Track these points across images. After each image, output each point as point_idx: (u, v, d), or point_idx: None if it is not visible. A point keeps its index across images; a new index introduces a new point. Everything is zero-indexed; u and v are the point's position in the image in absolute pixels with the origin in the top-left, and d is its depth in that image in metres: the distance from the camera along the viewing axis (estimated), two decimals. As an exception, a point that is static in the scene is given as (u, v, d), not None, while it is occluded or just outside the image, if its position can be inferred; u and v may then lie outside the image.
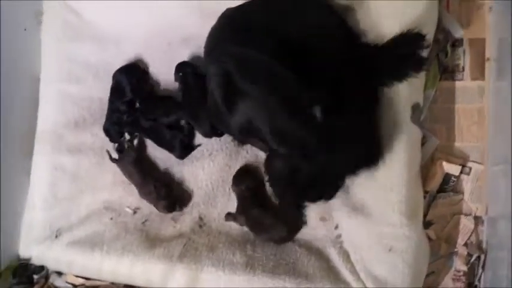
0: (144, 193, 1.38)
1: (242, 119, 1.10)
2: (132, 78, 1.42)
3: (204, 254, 1.30)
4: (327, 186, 1.21)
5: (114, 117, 1.43)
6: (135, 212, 1.42)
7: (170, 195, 1.37)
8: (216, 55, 1.17)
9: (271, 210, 1.31)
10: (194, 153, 1.40)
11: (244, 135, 1.24)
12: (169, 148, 1.41)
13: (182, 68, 1.41)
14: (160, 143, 1.43)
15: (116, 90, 1.44)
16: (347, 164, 1.16)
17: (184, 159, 1.40)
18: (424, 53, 1.13)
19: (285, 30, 1.13)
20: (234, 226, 1.35)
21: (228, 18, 1.22)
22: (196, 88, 1.37)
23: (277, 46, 1.09)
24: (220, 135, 1.37)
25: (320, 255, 1.27)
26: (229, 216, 1.35)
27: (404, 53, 1.14)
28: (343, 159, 1.12)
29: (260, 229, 1.32)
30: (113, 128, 1.43)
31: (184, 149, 1.40)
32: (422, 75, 1.21)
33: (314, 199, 1.24)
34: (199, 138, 1.41)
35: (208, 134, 1.37)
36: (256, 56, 1.08)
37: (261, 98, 1.05)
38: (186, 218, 1.38)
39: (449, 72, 1.30)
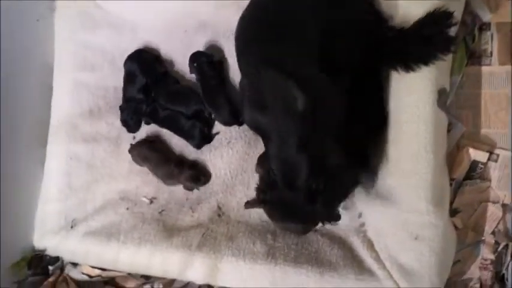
0: (164, 174, 1.36)
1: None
2: (142, 64, 1.40)
3: (224, 244, 1.27)
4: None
5: (132, 107, 1.41)
6: (151, 202, 1.39)
7: (195, 166, 1.36)
8: (259, 59, 1.11)
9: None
10: (212, 141, 1.38)
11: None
12: (188, 137, 1.39)
13: (196, 59, 1.39)
14: (178, 132, 1.41)
15: (128, 78, 1.42)
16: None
17: (202, 148, 1.38)
18: (452, 32, 1.10)
19: (317, 18, 1.10)
20: (253, 216, 1.32)
21: (260, 8, 1.18)
22: (214, 77, 1.36)
23: (315, 43, 1.07)
24: (240, 123, 1.34)
25: (343, 244, 1.24)
26: (248, 204, 1.32)
27: (432, 33, 1.10)
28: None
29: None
30: (131, 118, 1.41)
31: (203, 138, 1.38)
32: (449, 58, 1.17)
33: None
34: (217, 126, 1.39)
35: (228, 122, 1.34)
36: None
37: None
38: (204, 207, 1.35)
39: (476, 57, 1.25)
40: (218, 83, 1.36)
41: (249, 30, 1.18)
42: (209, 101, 1.35)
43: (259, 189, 1.15)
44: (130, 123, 1.41)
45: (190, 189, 1.36)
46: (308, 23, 1.10)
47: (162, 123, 1.42)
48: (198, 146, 1.39)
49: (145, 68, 1.40)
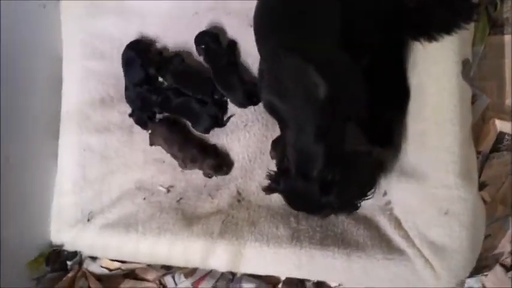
0: (186, 157, 1.31)
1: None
2: (140, 52, 1.36)
3: (246, 229, 1.24)
4: None
5: (140, 103, 1.37)
6: (168, 191, 1.36)
7: (217, 154, 1.32)
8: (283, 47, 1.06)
9: None
10: (228, 125, 1.34)
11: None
12: (195, 121, 1.35)
13: (201, 40, 1.35)
14: (188, 116, 1.37)
15: (130, 70, 1.37)
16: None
17: (218, 132, 1.34)
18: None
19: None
20: (274, 199, 1.29)
21: None
22: (222, 56, 1.32)
23: (337, 24, 1.05)
24: (255, 103, 1.30)
25: (369, 224, 1.20)
26: (268, 190, 1.29)
27: (454, 1, 1.07)
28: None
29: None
30: (143, 115, 1.38)
31: (212, 122, 1.34)
32: (471, 28, 1.14)
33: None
34: (232, 109, 1.35)
35: (242, 103, 1.31)
36: None
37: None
38: (224, 193, 1.32)
39: (498, 26, 1.21)
40: (228, 63, 1.32)
41: (269, 14, 1.14)
42: (221, 82, 1.31)
43: (271, 178, 1.13)
44: (145, 119, 1.37)
45: (209, 176, 1.33)
46: (328, 3, 1.07)
47: (174, 111, 1.39)
48: (206, 131, 1.35)
49: (145, 57, 1.37)
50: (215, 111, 1.33)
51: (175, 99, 1.36)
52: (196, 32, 1.36)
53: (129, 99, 1.39)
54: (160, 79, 1.40)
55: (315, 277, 1.23)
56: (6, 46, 1.26)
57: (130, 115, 1.38)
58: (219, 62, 1.32)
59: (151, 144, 1.37)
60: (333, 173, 1.00)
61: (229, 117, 1.35)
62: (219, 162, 1.30)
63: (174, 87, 1.37)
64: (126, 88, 1.39)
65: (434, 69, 1.13)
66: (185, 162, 1.32)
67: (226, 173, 1.32)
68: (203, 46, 1.34)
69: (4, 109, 1.26)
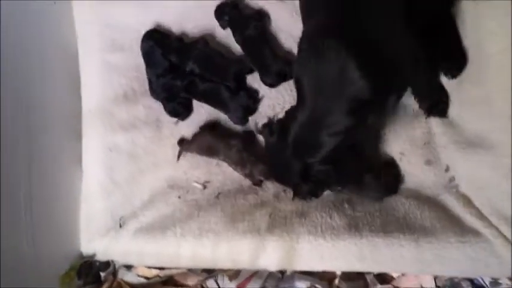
0: (235, 163, 1.20)
1: None
2: (158, 41, 1.26)
3: (296, 222, 1.13)
4: None
5: (166, 93, 1.26)
6: (205, 187, 1.25)
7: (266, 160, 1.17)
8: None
9: (366, 162, 1.13)
10: (264, 110, 1.23)
11: None
12: (228, 111, 1.25)
13: (222, 12, 1.25)
14: (219, 105, 1.26)
15: (151, 61, 1.27)
16: None
17: (254, 117, 1.23)
18: None
19: None
20: (322, 187, 1.17)
21: None
22: (249, 25, 1.21)
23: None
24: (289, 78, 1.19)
25: (434, 205, 1.09)
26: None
27: None
28: None
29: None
30: (178, 106, 1.27)
31: (244, 111, 1.23)
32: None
33: None
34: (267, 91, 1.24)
35: (275, 80, 1.20)
36: None
37: None
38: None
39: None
40: (257, 33, 1.21)
41: None
42: (251, 54, 1.20)
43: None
44: (181, 110, 1.26)
45: (259, 184, 1.21)
46: None
47: (201, 97, 1.27)
48: (241, 122, 1.25)
49: (163, 45, 1.27)
50: (246, 101, 1.23)
51: (201, 84, 1.25)
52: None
53: (155, 93, 1.28)
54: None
55: (379, 269, 1.11)
56: (17, 46, 1.15)
57: (165, 108, 1.28)
58: (246, 31, 1.21)
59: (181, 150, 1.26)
60: (325, 169, 0.99)
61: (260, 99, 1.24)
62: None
63: (199, 73, 1.26)
64: (150, 81, 1.28)
65: (493, 24, 1.02)
66: (234, 168, 1.21)
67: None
68: (226, 18, 1.24)
69: (20, 113, 1.15)
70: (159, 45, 1.26)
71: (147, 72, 1.29)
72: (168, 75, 1.27)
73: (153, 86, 1.28)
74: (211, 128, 1.25)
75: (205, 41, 1.27)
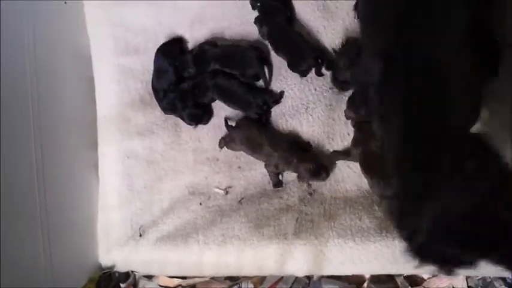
0: (280, 158, 1.13)
1: None
2: (173, 60, 1.23)
3: (324, 225, 1.10)
4: None
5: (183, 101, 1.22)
6: (227, 192, 1.21)
7: (314, 157, 1.14)
8: None
9: None
10: (286, 110, 1.19)
11: None
12: (245, 107, 1.20)
13: None
14: (232, 102, 1.21)
15: (161, 78, 1.24)
16: None
17: (276, 119, 1.19)
18: None
19: None
20: (349, 188, 1.13)
21: None
22: (279, 12, 1.18)
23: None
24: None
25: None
26: (337, 153, 1.15)
27: None
28: None
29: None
30: (194, 110, 1.22)
31: (260, 110, 1.18)
32: None
33: None
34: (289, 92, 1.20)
35: (309, 67, 1.16)
36: None
37: None
38: (292, 188, 1.17)
39: None
40: (287, 22, 1.19)
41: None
42: (282, 41, 1.17)
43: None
44: (198, 112, 1.22)
45: (303, 180, 1.15)
46: None
47: (212, 93, 1.23)
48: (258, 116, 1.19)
49: (177, 64, 1.24)
50: (263, 99, 1.18)
51: (209, 81, 1.21)
52: (242, 11, 1.22)
53: (163, 106, 1.25)
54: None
55: (412, 271, 1.08)
56: (25, 49, 1.12)
57: (183, 118, 1.24)
58: (275, 17, 1.18)
59: (221, 147, 1.21)
60: None
61: (277, 99, 1.19)
62: (318, 167, 1.11)
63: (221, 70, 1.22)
64: (156, 92, 1.25)
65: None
66: (277, 165, 1.15)
67: (324, 179, 1.14)
68: (258, 3, 1.20)
69: (31, 121, 1.11)
70: (173, 64, 1.23)
71: (154, 83, 1.25)
72: (173, 88, 1.24)
73: (162, 100, 1.24)
74: (252, 120, 1.19)
75: (214, 43, 1.24)
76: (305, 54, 1.14)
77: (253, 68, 1.19)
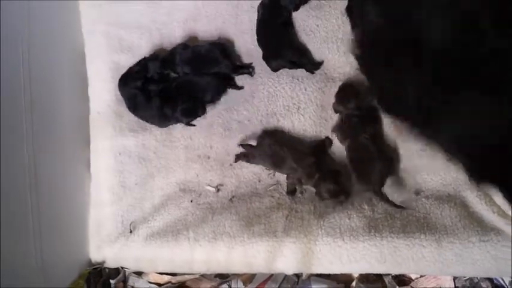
0: (304, 174, 1.12)
1: None
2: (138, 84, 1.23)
3: (314, 223, 1.10)
4: None
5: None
6: (218, 190, 1.21)
7: (338, 178, 1.11)
8: None
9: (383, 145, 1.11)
10: (277, 109, 1.20)
11: None
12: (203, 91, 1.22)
13: None
14: (194, 91, 1.22)
15: (139, 107, 1.25)
16: None
17: (268, 119, 1.20)
18: None
19: None
20: (340, 188, 1.15)
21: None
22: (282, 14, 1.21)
23: None
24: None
25: (454, 203, 1.07)
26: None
27: None
28: None
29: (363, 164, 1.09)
30: (186, 106, 1.22)
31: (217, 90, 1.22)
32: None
33: None
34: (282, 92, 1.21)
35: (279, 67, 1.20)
36: None
37: None
38: (284, 187, 1.17)
39: None
40: (284, 22, 1.21)
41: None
42: (262, 35, 1.20)
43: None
44: (190, 106, 1.22)
45: (320, 198, 1.13)
46: None
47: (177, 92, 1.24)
48: (212, 99, 1.23)
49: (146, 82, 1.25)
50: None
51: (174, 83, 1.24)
52: (232, 12, 1.24)
53: (159, 123, 1.26)
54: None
55: (400, 270, 1.09)
56: (19, 46, 1.11)
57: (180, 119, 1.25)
58: (278, 19, 1.20)
59: (236, 161, 1.21)
60: None
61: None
62: (338, 189, 1.10)
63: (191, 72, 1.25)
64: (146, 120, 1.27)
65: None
66: (300, 179, 1.14)
67: (341, 202, 1.12)
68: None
69: (24, 116, 1.11)
70: (141, 86, 1.23)
71: (136, 113, 1.25)
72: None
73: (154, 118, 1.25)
74: (273, 134, 1.18)
75: (184, 44, 1.25)
76: (280, 54, 1.16)
77: (221, 64, 1.21)
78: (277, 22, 1.19)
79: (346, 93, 1.13)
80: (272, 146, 1.13)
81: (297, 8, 1.22)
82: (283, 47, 1.17)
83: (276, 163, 1.14)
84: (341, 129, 1.14)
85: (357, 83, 1.15)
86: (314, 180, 1.11)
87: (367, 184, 1.06)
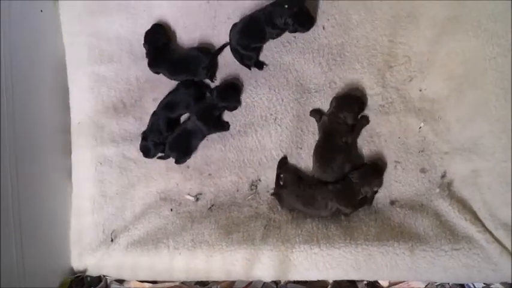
0: (317, 209, 1.13)
1: None
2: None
3: (291, 232, 1.12)
4: None
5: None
6: (197, 199, 1.23)
7: (340, 195, 1.11)
8: None
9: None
10: (257, 120, 1.22)
11: None
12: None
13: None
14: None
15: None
16: None
17: (246, 129, 1.22)
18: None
19: None
20: (317, 197, 1.17)
21: None
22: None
23: None
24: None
25: (426, 212, 1.09)
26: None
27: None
28: None
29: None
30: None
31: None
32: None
33: None
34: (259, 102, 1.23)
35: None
36: None
37: None
38: (262, 196, 1.19)
39: None
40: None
41: None
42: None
43: None
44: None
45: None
46: None
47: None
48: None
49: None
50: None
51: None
52: (211, 19, 1.26)
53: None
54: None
55: (374, 277, 1.11)
56: (2, 57, 1.12)
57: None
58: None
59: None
60: None
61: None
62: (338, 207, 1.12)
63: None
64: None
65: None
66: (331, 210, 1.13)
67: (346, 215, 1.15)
68: None
69: (5, 126, 1.11)
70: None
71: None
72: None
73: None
74: (292, 173, 1.18)
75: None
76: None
77: (203, 63, 1.23)
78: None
79: (352, 101, 1.15)
80: (298, 186, 1.14)
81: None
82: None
83: (307, 203, 1.13)
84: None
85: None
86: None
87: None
